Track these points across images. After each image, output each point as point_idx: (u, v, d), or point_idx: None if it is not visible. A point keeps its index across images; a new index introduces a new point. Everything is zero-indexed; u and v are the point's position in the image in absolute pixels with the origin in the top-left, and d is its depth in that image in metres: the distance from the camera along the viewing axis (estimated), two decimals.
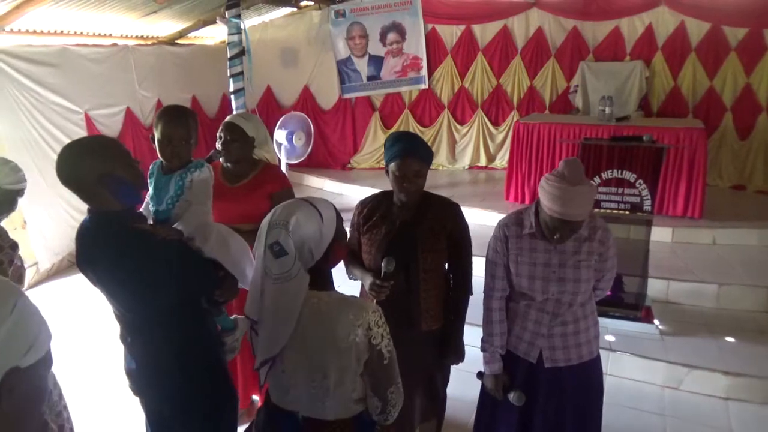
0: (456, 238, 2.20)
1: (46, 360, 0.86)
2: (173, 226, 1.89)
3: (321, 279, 1.52)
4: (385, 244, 2.15)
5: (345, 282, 2.47)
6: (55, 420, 2.20)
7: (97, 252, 1.67)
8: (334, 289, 1.58)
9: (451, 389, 2.46)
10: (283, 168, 5.74)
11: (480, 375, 2.22)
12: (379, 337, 1.47)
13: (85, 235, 1.69)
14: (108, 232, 1.65)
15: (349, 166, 7.88)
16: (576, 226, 1.90)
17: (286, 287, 1.44)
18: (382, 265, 2.02)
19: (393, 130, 7.61)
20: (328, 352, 1.44)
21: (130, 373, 1.91)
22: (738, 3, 6.12)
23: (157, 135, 1.97)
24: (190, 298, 1.81)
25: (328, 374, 1.45)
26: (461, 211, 2.26)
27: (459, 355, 2.29)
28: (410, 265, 2.13)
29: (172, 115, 1.99)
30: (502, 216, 2.20)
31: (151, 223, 1.90)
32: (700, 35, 6.39)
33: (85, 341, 3.76)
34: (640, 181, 3.70)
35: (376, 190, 2.38)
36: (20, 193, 2.24)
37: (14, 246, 2.10)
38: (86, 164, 1.58)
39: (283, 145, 6.00)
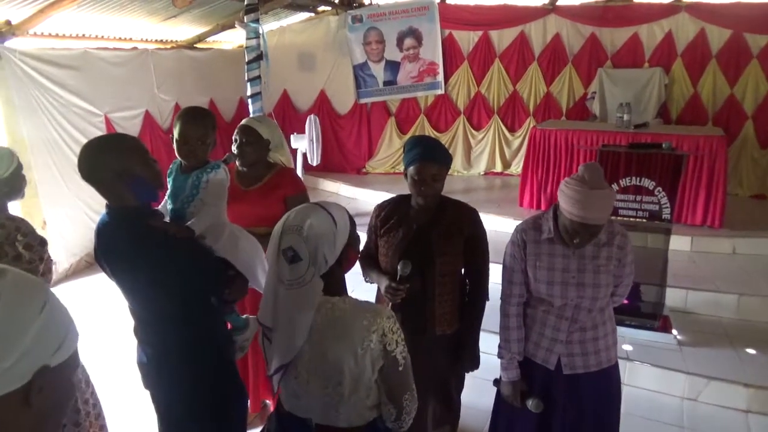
0: (473, 243, 2.19)
1: (74, 359, 0.85)
2: (186, 224, 1.92)
3: (334, 284, 1.51)
4: (401, 247, 2.14)
5: (359, 286, 2.47)
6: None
7: (113, 247, 1.71)
8: (347, 294, 1.57)
9: (465, 396, 2.44)
10: (299, 172, 5.76)
11: (496, 382, 2.20)
12: (394, 344, 1.45)
13: (103, 229, 1.73)
14: (124, 228, 1.69)
15: (364, 170, 7.89)
16: (595, 230, 1.88)
17: (300, 293, 1.42)
18: (399, 268, 2.02)
19: (408, 135, 7.61)
20: (343, 359, 1.42)
21: (141, 366, 1.94)
22: (760, 10, 6.04)
23: (175, 134, 2.03)
24: (198, 295, 1.83)
25: (342, 381, 1.43)
26: (479, 216, 2.25)
27: (474, 362, 2.28)
28: (426, 269, 2.12)
29: (190, 116, 2.05)
30: (517, 222, 2.18)
31: (167, 220, 1.93)
32: (720, 42, 6.32)
33: (102, 340, 3.79)
34: (659, 188, 3.65)
35: (391, 195, 2.38)
36: (18, 172, 2.16)
37: (43, 242, 2.12)
38: (105, 161, 1.63)
39: (300, 149, 6.03)
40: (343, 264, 1.53)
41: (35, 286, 0.82)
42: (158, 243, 1.71)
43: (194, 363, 1.81)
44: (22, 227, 2.08)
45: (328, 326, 1.44)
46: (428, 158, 2.07)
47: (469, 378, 2.38)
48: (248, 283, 2.02)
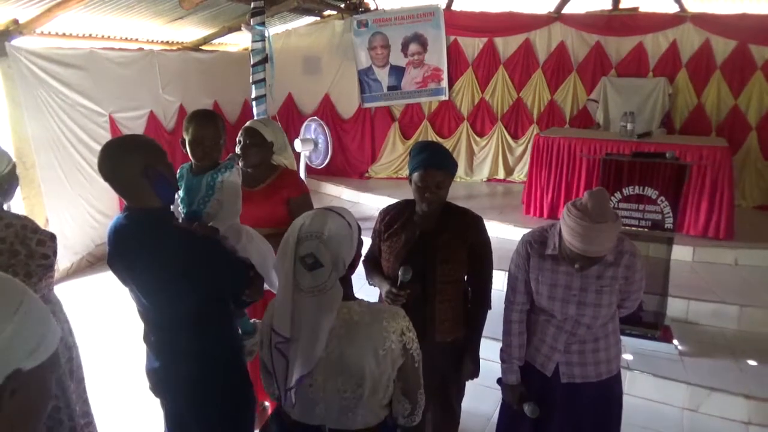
0: (477, 251, 2.18)
1: (53, 361, 0.81)
2: (209, 224, 1.93)
3: (347, 288, 1.51)
4: (403, 252, 2.14)
5: (362, 288, 2.47)
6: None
7: (135, 248, 1.67)
8: (355, 297, 1.57)
9: (465, 402, 2.43)
10: (301, 175, 5.76)
11: (500, 381, 2.19)
12: (411, 342, 1.49)
13: (120, 231, 1.70)
14: (147, 229, 1.66)
15: (366, 175, 7.89)
16: (597, 259, 1.84)
17: (323, 299, 1.42)
18: (399, 273, 2.01)
19: (412, 140, 7.62)
20: (365, 361, 1.43)
21: (151, 372, 1.91)
22: (766, 22, 6.04)
23: (188, 137, 2.03)
24: (220, 296, 1.82)
25: (363, 383, 1.44)
26: (484, 224, 2.23)
27: (475, 370, 2.26)
28: (427, 275, 2.12)
29: (202, 118, 2.07)
30: (519, 229, 2.18)
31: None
32: (725, 53, 6.33)
33: (105, 340, 3.79)
34: (662, 198, 3.65)
35: (393, 200, 2.38)
36: (13, 172, 2.15)
37: (53, 237, 2.12)
38: (131, 158, 1.62)
39: (303, 153, 6.03)
40: (352, 267, 1.54)
41: (10, 287, 0.78)
42: (186, 243, 1.70)
43: (207, 367, 1.80)
44: (29, 224, 2.07)
45: (347, 330, 1.45)
46: (433, 165, 2.06)
47: (470, 384, 2.37)
48: (264, 284, 2.01)
